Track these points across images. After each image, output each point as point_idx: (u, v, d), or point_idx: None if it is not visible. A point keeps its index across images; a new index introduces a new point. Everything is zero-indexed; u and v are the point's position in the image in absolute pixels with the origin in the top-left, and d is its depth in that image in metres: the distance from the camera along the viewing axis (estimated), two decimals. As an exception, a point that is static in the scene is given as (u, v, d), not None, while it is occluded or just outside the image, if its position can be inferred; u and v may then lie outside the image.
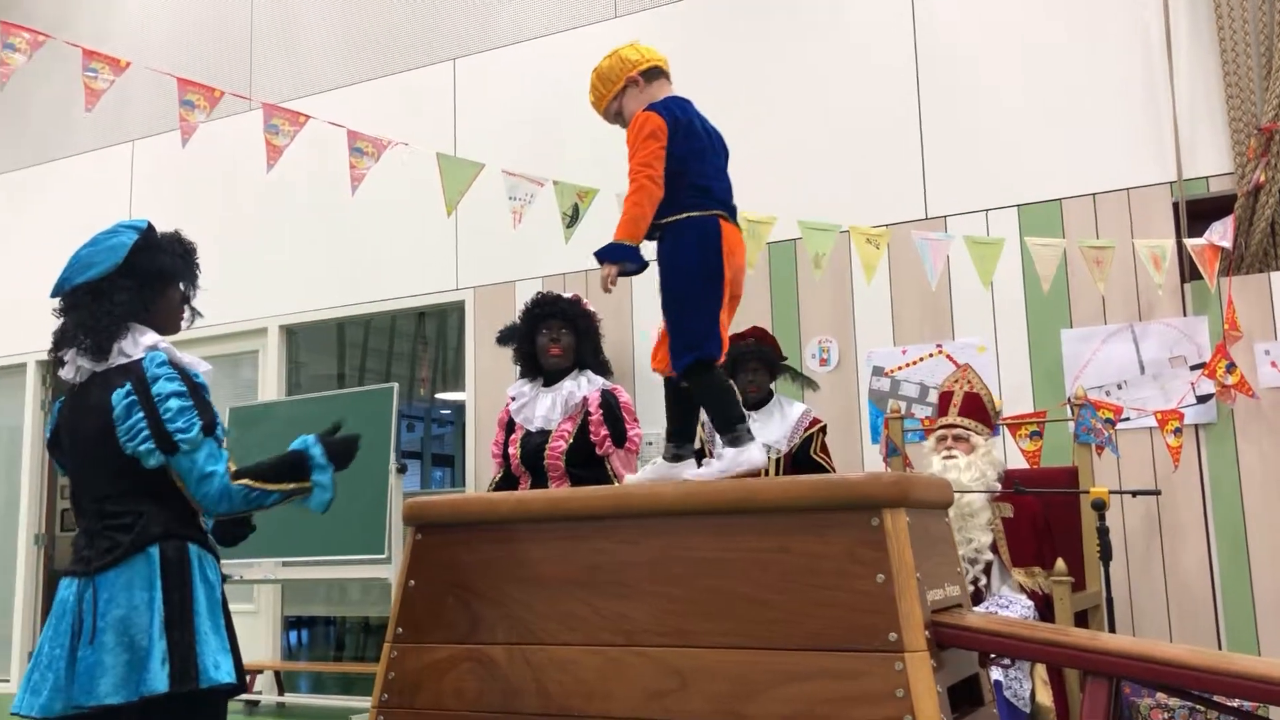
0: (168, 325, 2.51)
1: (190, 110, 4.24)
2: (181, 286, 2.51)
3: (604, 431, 3.90)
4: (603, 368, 4.16)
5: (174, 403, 2.31)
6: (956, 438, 3.97)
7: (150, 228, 2.51)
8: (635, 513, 2.41)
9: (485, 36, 6.55)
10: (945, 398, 4.07)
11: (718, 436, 2.48)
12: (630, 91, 2.56)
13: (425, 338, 9.13)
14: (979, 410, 3.99)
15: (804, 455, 4.23)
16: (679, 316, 2.44)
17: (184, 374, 2.40)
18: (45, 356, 7.88)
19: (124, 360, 2.39)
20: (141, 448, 2.28)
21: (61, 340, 2.46)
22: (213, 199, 7.27)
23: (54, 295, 2.50)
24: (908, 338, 5.23)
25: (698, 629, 2.27)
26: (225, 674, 2.27)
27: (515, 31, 6.46)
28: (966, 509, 3.81)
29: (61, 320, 2.49)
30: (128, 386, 2.32)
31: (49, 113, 8.24)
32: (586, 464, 3.91)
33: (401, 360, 9.72)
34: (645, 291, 5.63)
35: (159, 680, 2.15)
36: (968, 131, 5.26)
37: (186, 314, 2.53)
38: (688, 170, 2.45)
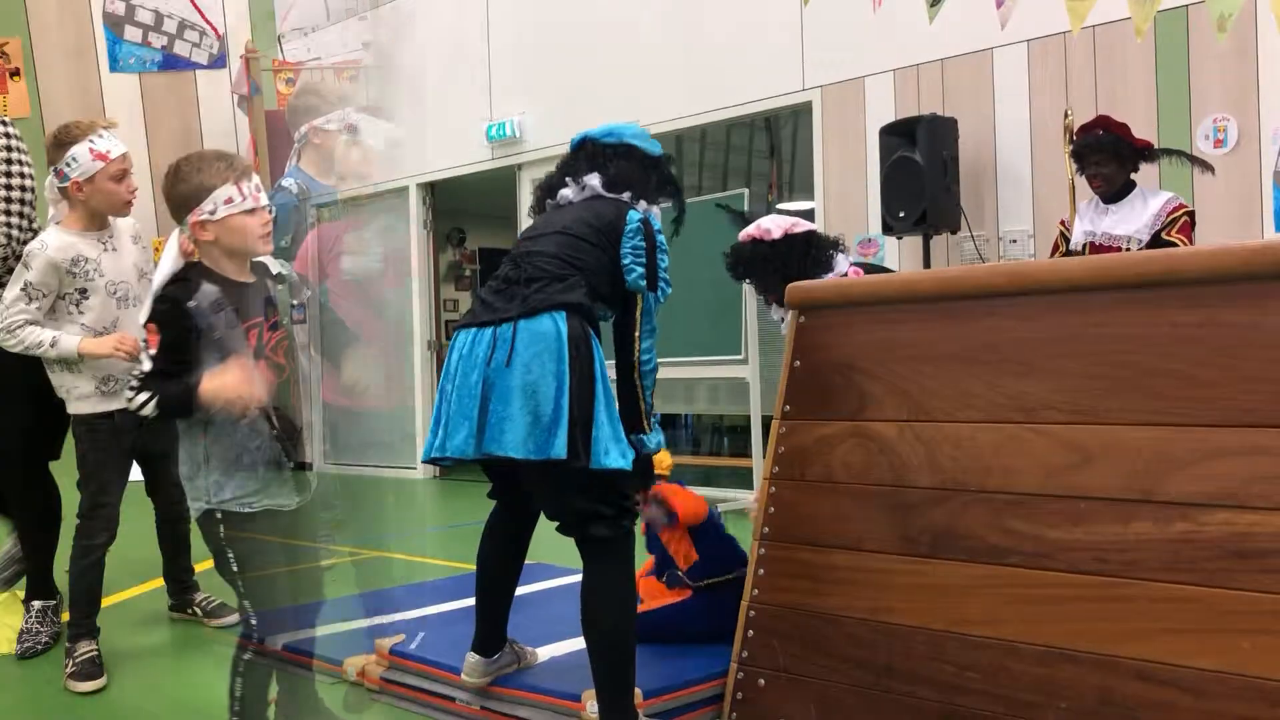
0: None
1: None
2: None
3: None
4: None
5: (664, 260, 2.61)
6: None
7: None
8: (1035, 289, 2.32)
9: None
10: (1381, 172, 3.55)
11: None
12: None
13: (773, 147, 9.08)
14: None
15: (1159, 241, 3.85)
16: None
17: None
18: (426, 180, 8.70)
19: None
20: (633, 274, 2.55)
21: (589, 166, 2.67)
22: (567, 13, 7.48)
23: (604, 138, 2.70)
24: (1327, 109, 4.58)
25: (1106, 405, 2.19)
26: (614, 459, 2.37)
27: None
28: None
29: (582, 158, 2.69)
30: (640, 218, 2.59)
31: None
32: None
33: (737, 175, 9.74)
34: (1006, 82, 5.26)
35: (560, 448, 2.32)
36: None
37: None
38: None
